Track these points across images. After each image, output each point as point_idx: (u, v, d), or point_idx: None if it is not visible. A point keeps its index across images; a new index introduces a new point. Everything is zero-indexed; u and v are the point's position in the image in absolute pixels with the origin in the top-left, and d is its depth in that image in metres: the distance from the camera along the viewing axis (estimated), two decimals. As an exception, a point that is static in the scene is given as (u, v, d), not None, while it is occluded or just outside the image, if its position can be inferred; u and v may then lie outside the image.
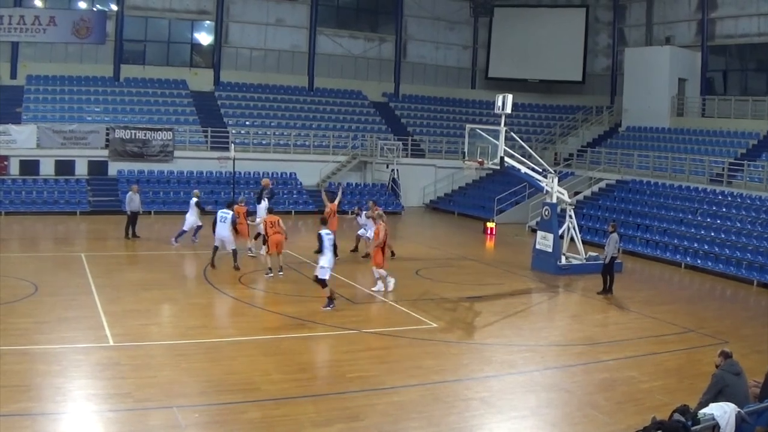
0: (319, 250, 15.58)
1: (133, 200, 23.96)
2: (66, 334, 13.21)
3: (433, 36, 42.86)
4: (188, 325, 14.38)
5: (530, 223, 29.71)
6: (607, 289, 19.00)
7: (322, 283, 15.64)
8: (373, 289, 17.83)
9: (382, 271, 17.81)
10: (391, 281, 17.86)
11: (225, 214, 19.45)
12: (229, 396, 10.66)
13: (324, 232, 15.78)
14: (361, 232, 22.19)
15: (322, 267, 15.56)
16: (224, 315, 15.43)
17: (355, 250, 22.62)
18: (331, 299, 15.68)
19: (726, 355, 9.73)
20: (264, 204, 21.42)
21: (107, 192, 30.60)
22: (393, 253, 21.43)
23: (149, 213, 29.73)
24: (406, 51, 42.43)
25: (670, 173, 30.14)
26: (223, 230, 19.31)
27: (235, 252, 19.56)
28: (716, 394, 9.26)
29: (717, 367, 9.69)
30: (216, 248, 19.67)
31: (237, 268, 19.28)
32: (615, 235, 19.23)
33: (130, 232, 23.73)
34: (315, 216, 22.29)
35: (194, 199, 22.78)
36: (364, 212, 21.85)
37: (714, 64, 36.14)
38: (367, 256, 21.39)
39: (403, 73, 42.16)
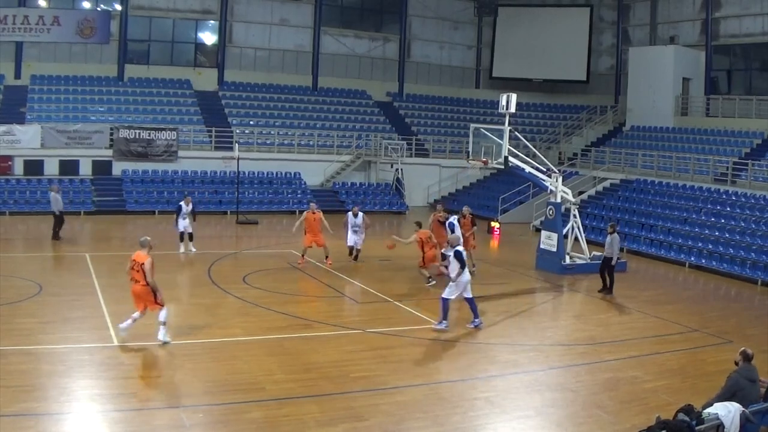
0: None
1: (57, 201, 23.48)
2: (70, 334, 13.25)
3: (438, 36, 42.86)
4: (192, 325, 14.39)
5: (534, 223, 29.71)
6: (607, 289, 18.98)
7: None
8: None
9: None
10: None
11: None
12: (233, 396, 10.67)
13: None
14: (352, 241, 21.44)
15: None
16: (228, 315, 15.42)
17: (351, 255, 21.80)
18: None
19: (746, 357, 9.59)
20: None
21: (111, 192, 30.63)
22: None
23: (153, 212, 29.80)
24: (411, 51, 42.42)
25: (674, 173, 30.11)
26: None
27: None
28: (729, 397, 9.18)
29: (736, 364, 9.55)
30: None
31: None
32: (616, 236, 19.10)
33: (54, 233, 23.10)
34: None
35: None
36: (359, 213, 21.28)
37: (718, 63, 36.10)
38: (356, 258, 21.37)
39: (407, 72, 42.14)
